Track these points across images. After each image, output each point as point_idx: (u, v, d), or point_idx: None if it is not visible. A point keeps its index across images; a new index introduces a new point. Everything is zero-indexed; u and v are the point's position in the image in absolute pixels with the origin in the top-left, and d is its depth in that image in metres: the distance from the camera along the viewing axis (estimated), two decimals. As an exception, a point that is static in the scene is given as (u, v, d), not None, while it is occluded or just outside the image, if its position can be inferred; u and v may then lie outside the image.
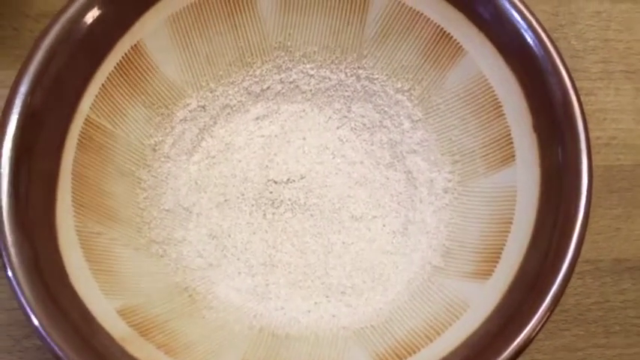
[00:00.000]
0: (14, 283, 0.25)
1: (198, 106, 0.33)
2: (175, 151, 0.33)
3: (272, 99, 0.35)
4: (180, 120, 0.33)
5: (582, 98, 0.28)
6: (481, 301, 0.27)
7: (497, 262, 0.28)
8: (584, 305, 0.34)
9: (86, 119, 0.29)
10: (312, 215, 0.33)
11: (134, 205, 0.31)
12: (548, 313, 0.25)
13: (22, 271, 0.25)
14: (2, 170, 0.26)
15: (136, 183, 0.31)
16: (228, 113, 0.34)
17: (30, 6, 0.37)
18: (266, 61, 0.34)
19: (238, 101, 0.34)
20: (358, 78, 0.34)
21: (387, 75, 0.34)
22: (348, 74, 0.34)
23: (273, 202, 0.33)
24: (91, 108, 0.29)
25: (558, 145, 0.27)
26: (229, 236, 0.33)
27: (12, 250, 0.25)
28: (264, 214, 0.33)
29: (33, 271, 0.25)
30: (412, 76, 0.33)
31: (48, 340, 0.24)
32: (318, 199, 0.33)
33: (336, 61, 0.34)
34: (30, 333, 0.32)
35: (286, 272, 0.32)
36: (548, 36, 0.28)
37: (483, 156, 0.31)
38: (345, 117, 0.35)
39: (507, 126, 0.30)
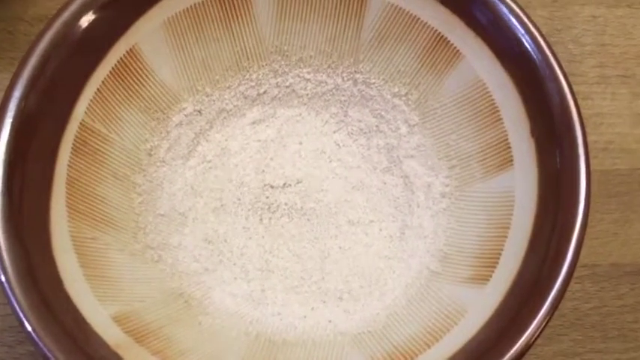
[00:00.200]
0: (8, 288, 0.25)
1: (194, 111, 0.33)
2: (171, 156, 0.33)
3: (268, 103, 0.35)
4: (176, 124, 0.33)
5: (579, 103, 0.28)
6: (479, 306, 0.27)
7: (495, 267, 0.28)
8: (581, 310, 0.34)
9: (81, 123, 0.29)
10: (308, 220, 0.33)
11: (129, 210, 0.31)
12: (546, 319, 0.25)
13: (16, 277, 0.25)
14: (-4, 176, 0.26)
15: (131, 188, 0.31)
16: (225, 117, 0.34)
17: (25, 9, 0.37)
18: (262, 66, 0.34)
19: (234, 105, 0.34)
20: (355, 82, 0.34)
21: (383, 79, 0.34)
22: (345, 78, 0.34)
23: (269, 207, 0.33)
24: (85, 112, 0.29)
25: (556, 149, 0.27)
26: (225, 241, 0.32)
27: (5, 256, 0.25)
28: (261, 219, 0.33)
29: (26, 277, 0.25)
30: (409, 81, 0.33)
31: (41, 346, 0.24)
32: (314, 204, 0.33)
33: (333, 66, 0.34)
34: (24, 339, 0.32)
35: (283, 277, 0.32)
36: (545, 41, 0.28)
37: (481, 161, 0.31)
38: (342, 121, 0.35)
39: (505, 131, 0.30)
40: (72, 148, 0.28)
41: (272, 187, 0.34)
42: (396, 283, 0.31)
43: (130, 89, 0.31)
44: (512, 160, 0.29)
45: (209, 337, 0.29)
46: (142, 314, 0.28)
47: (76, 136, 0.28)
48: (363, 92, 0.34)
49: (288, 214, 0.33)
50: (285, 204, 0.33)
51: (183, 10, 0.31)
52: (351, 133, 0.35)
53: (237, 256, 0.32)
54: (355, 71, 0.34)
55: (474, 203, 0.31)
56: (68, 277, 0.26)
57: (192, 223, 0.33)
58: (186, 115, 0.33)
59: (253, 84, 0.34)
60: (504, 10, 0.28)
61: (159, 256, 0.31)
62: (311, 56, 0.34)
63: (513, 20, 0.28)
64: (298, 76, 0.34)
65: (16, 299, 0.25)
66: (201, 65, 0.33)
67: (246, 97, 0.34)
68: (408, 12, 0.31)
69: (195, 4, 0.31)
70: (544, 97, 0.28)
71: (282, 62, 0.34)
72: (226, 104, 0.34)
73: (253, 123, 0.34)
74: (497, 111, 0.30)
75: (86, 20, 0.28)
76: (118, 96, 0.30)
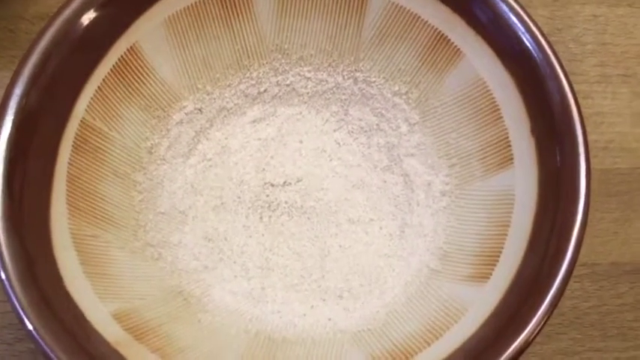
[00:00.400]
0: (8, 286, 0.25)
1: (195, 109, 0.33)
2: (171, 154, 0.33)
3: (269, 102, 0.35)
4: (177, 122, 0.33)
5: (580, 102, 0.28)
6: (479, 304, 0.27)
7: (495, 265, 0.28)
8: (581, 309, 0.34)
9: (81, 121, 0.29)
10: (308, 218, 0.33)
11: (129, 208, 0.31)
12: (546, 317, 0.25)
13: (16, 274, 0.25)
14: (-4, 173, 0.26)
15: (131, 186, 0.31)
16: (225, 116, 0.34)
17: (26, 8, 0.37)
18: (263, 64, 0.34)
19: (235, 104, 0.34)
20: (355, 81, 0.34)
21: (384, 78, 0.34)
22: (345, 77, 0.34)
23: (269, 205, 0.33)
24: (86, 110, 0.29)
25: (556, 148, 0.27)
26: (225, 239, 0.32)
27: (5, 253, 0.25)
28: (261, 217, 0.33)
29: (27, 274, 0.25)
30: (409, 79, 0.33)
31: (41, 343, 0.24)
32: (314, 202, 0.33)
33: (334, 64, 0.34)
34: (23, 337, 0.32)
35: (283, 275, 0.32)
36: (546, 39, 0.28)
37: (481, 159, 0.31)
38: (342, 120, 0.35)
39: (505, 129, 0.30)
40: (72, 145, 0.28)
41: (272, 185, 0.34)
42: (396, 282, 0.31)
43: (131, 87, 0.31)
44: (512, 159, 0.29)
45: (208, 334, 0.29)
46: (142, 312, 0.28)
47: (77, 134, 0.28)
48: (364, 91, 0.34)
49: (288, 213, 0.33)
50: (286, 202, 0.33)
51: (184, 8, 0.31)
52: (352, 132, 0.35)
53: (237, 254, 0.32)
54: (356, 70, 0.34)
55: (474, 201, 0.31)
56: (68, 274, 0.26)
57: (193, 221, 0.33)
58: (186, 114, 0.33)
59: (254, 82, 0.34)
60: (505, 8, 0.28)
61: (159, 253, 0.31)
62: (311, 55, 0.34)
63: (514, 19, 0.28)
64: (299, 74, 0.34)
65: (16, 296, 0.25)
66: (202, 63, 0.33)
67: (246, 96, 0.34)
68: (408, 10, 0.31)
69: (195, 2, 0.31)
70: (544, 95, 0.28)
71: (283, 61, 0.34)
72: (227, 102, 0.34)
73: (254, 121, 0.34)
74: (498, 109, 0.30)
75: (87, 18, 0.28)
76: (118, 94, 0.30)
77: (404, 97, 0.33)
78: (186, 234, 0.32)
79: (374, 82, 0.34)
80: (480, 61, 0.30)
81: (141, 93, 0.31)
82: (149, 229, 0.31)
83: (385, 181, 0.34)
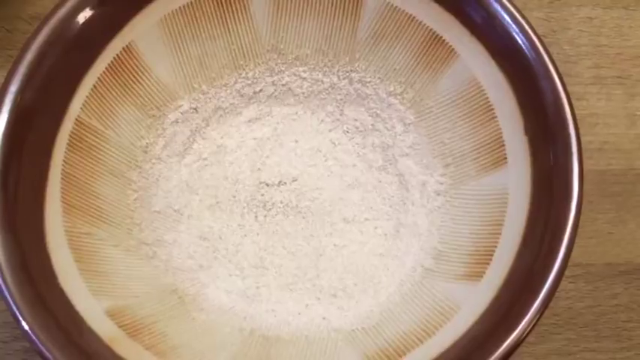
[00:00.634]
0: (2, 283, 0.25)
1: (190, 108, 0.33)
2: (167, 153, 0.33)
3: (264, 101, 0.35)
4: (172, 122, 0.33)
5: (574, 103, 0.28)
6: (472, 302, 0.27)
7: (488, 263, 0.28)
8: (575, 309, 0.34)
9: (77, 120, 0.29)
10: (303, 218, 0.33)
11: (124, 207, 0.31)
12: (538, 314, 0.25)
13: (10, 272, 0.25)
14: (-9, 169, 0.26)
15: (126, 184, 0.31)
16: (221, 115, 0.34)
17: (23, 8, 0.37)
18: (258, 64, 0.34)
19: (230, 103, 0.34)
20: (351, 81, 0.34)
21: (379, 78, 0.34)
22: (341, 77, 0.34)
23: (264, 205, 0.33)
24: (81, 108, 0.29)
25: (549, 147, 0.27)
26: (220, 238, 0.32)
27: (0, 251, 0.25)
28: (256, 217, 0.33)
29: (21, 272, 0.25)
30: (404, 80, 0.33)
31: (36, 341, 0.24)
32: (310, 202, 0.33)
33: (329, 64, 0.34)
34: (18, 335, 0.32)
35: (277, 275, 0.32)
36: (539, 39, 0.28)
37: (475, 159, 0.31)
38: (338, 120, 0.35)
39: (499, 129, 0.30)
40: (68, 143, 0.28)
41: (267, 184, 0.34)
42: (390, 281, 0.31)
43: (126, 86, 0.31)
44: (505, 158, 0.29)
45: (203, 332, 0.29)
46: (136, 309, 0.28)
47: (72, 132, 0.29)
48: (359, 91, 0.34)
49: (283, 212, 0.33)
50: (281, 202, 0.33)
51: (180, 8, 0.31)
52: (347, 132, 0.35)
53: (232, 253, 0.32)
54: (351, 70, 0.34)
55: (469, 201, 0.31)
56: (62, 272, 0.26)
57: (188, 220, 0.33)
58: (182, 113, 0.33)
59: (249, 82, 0.34)
60: (498, 8, 0.28)
61: (153, 252, 0.31)
62: (307, 55, 0.34)
63: (507, 19, 0.28)
64: (294, 74, 0.34)
65: (11, 294, 0.25)
66: (198, 63, 0.33)
67: (242, 95, 0.34)
68: (403, 11, 0.31)
69: (191, 2, 0.31)
70: (538, 95, 0.28)
71: (279, 60, 0.34)
72: (222, 102, 0.34)
73: (249, 121, 0.35)
74: (492, 109, 0.30)
75: (83, 17, 0.28)
76: (114, 93, 0.30)
77: (399, 97, 0.34)
78: (181, 233, 0.32)
79: (369, 82, 0.34)
80: (474, 61, 0.30)
81: (136, 92, 0.31)
82: (144, 227, 0.31)
83: (380, 181, 0.34)
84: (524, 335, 0.25)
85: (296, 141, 0.35)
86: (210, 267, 0.32)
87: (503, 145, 0.29)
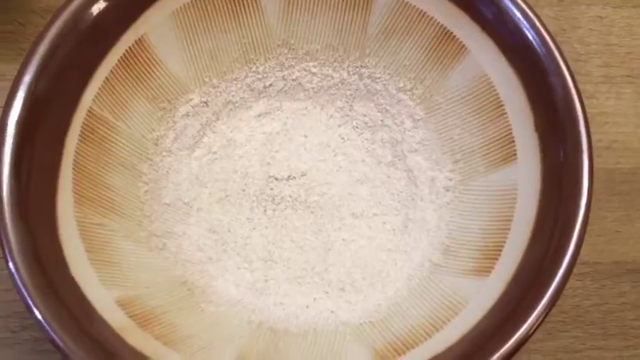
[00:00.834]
0: (15, 272, 0.25)
1: (201, 102, 0.34)
2: (177, 146, 0.33)
3: (274, 96, 0.35)
4: (183, 115, 0.33)
5: (584, 101, 0.28)
6: (480, 297, 0.27)
7: (497, 259, 0.28)
8: (583, 307, 0.34)
9: (89, 111, 0.29)
10: (312, 212, 0.33)
11: (135, 198, 0.31)
12: (547, 310, 0.25)
13: (23, 261, 0.25)
14: (4, 159, 0.26)
15: (137, 176, 0.31)
16: (231, 109, 0.34)
17: (35, 1, 0.37)
18: (269, 59, 0.34)
19: (241, 98, 0.34)
20: (360, 76, 0.34)
21: (389, 74, 0.34)
22: (351, 72, 0.34)
23: (273, 199, 0.33)
24: (94, 100, 0.29)
25: (559, 143, 0.27)
26: (229, 231, 0.33)
27: (13, 240, 0.25)
28: (265, 210, 0.33)
29: (33, 261, 0.25)
30: (414, 75, 0.33)
31: (48, 330, 0.24)
32: (318, 197, 0.33)
33: (339, 60, 0.34)
34: (28, 325, 0.32)
35: (286, 268, 0.32)
36: (550, 35, 0.28)
37: (484, 155, 0.31)
38: (347, 115, 0.35)
39: (509, 125, 0.30)
40: (80, 134, 0.29)
41: (276, 179, 0.34)
42: (398, 275, 0.31)
43: (138, 79, 0.31)
44: (515, 155, 0.29)
45: (211, 324, 0.29)
46: (146, 300, 0.28)
47: (84, 123, 0.29)
48: (369, 86, 0.34)
49: (292, 206, 0.33)
50: (290, 196, 0.33)
51: (192, 1, 0.31)
52: (356, 127, 0.35)
53: (241, 246, 0.32)
54: (361, 65, 0.34)
55: (478, 197, 0.31)
56: (74, 261, 0.27)
57: (197, 212, 0.33)
58: (192, 106, 0.33)
59: (260, 76, 0.34)
60: (509, 4, 0.29)
61: (163, 244, 0.31)
62: (317, 50, 0.34)
63: (518, 14, 0.28)
64: (304, 69, 0.35)
65: (23, 283, 0.25)
66: (209, 57, 0.33)
67: (252, 90, 0.34)
68: (414, 6, 0.31)
69: (203, -4, 0.31)
70: (548, 91, 0.28)
71: (289, 55, 0.34)
72: (232, 96, 0.34)
73: (259, 115, 0.35)
74: (502, 105, 0.30)
75: (97, 8, 0.28)
76: (126, 85, 0.30)
77: (409, 93, 0.34)
78: (190, 225, 0.32)
79: (379, 78, 0.34)
80: (484, 57, 0.30)
81: (148, 85, 0.31)
82: (154, 219, 0.31)
83: (389, 177, 0.34)
84: (532, 331, 0.25)
85: (305, 136, 0.35)
86: (220, 260, 0.32)
87: (513, 142, 0.30)
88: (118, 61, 0.30)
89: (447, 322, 0.27)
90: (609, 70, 0.38)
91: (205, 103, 0.34)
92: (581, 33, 0.38)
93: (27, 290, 0.25)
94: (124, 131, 0.31)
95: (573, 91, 0.27)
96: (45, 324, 0.24)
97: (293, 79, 0.35)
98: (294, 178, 0.34)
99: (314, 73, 0.35)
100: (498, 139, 0.30)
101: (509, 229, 0.28)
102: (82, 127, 0.29)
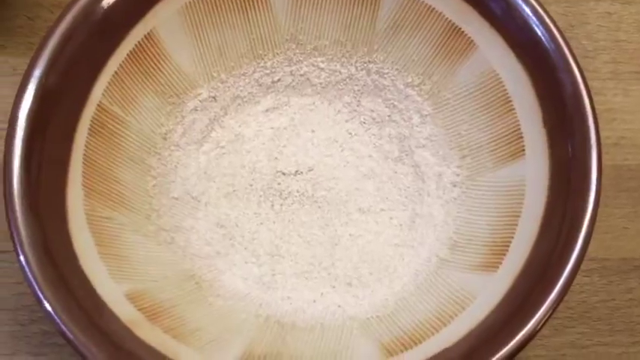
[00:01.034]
0: (25, 264, 0.25)
1: (209, 97, 0.34)
2: (185, 141, 0.33)
3: (282, 91, 0.35)
4: (191, 110, 0.33)
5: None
6: (488, 292, 0.27)
7: (504, 254, 0.28)
8: (590, 303, 0.34)
9: (98, 105, 0.29)
10: (319, 207, 0.33)
11: (143, 193, 0.31)
12: (554, 306, 0.25)
13: (33, 253, 0.25)
14: (14, 152, 0.26)
15: (145, 170, 0.31)
16: (239, 104, 0.34)
17: (45, -4, 0.37)
18: (277, 54, 0.34)
19: (249, 92, 0.34)
20: (368, 72, 0.34)
21: (397, 69, 0.34)
22: (359, 68, 0.34)
23: (281, 194, 0.34)
24: (103, 94, 0.29)
25: (568, 139, 0.27)
26: (237, 226, 0.33)
27: (23, 233, 0.26)
28: (272, 205, 0.33)
29: (43, 254, 0.26)
30: (422, 71, 0.33)
31: (58, 322, 0.25)
32: (325, 192, 0.34)
33: (347, 55, 0.34)
34: (37, 318, 0.32)
35: (293, 263, 0.32)
36: (559, 31, 0.28)
37: (492, 150, 0.31)
38: (355, 111, 0.35)
39: (517, 121, 0.30)
40: (89, 129, 0.29)
41: (284, 174, 0.34)
42: (405, 270, 0.32)
43: (147, 73, 0.31)
44: (523, 150, 0.29)
45: (219, 317, 0.29)
46: (155, 293, 0.28)
47: (94, 117, 0.29)
48: (377, 82, 0.34)
49: (299, 201, 0.33)
50: (297, 191, 0.34)
51: (201, -4, 0.31)
52: (364, 123, 0.35)
53: (249, 241, 0.33)
54: (369, 61, 0.34)
55: (485, 192, 0.31)
56: (83, 255, 0.27)
57: (205, 207, 0.33)
58: (201, 101, 0.33)
59: (268, 72, 0.34)
60: (518, 0, 0.28)
61: (172, 238, 0.31)
62: (325, 45, 0.34)
63: (527, 10, 0.28)
64: (312, 64, 0.35)
65: (34, 275, 0.25)
66: (217, 51, 0.33)
67: (260, 85, 0.35)
68: (423, 1, 0.31)
69: (212, -10, 0.31)
70: (557, 87, 0.28)
71: (297, 51, 0.34)
72: (241, 91, 0.34)
73: (267, 110, 0.35)
74: (510, 101, 0.30)
75: (107, 3, 0.28)
76: (135, 79, 0.31)
77: (416, 88, 0.34)
78: (198, 219, 0.33)
79: (387, 73, 0.34)
80: (492, 52, 0.30)
81: (157, 79, 0.31)
82: (162, 213, 0.31)
83: (396, 172, 0.34)
84: (540, 326, 0.25)
85: (313, 131, 0.35)
86: (227, 254, 0.32)
87: (522, 137, 0.30)
88: (128, 55, 0.30)
89: (454, 317, 0.27)
90: (617, 67, 0.38)
91: (214, 97, 0.34)
92: (590, 29, 0.38)
93: (37, 283, 0.25)
94: (133, 125, 0.31)
95: (582, 88, 0.27)
96: (55, 316, 0.25)
97: (301, 75, 0.35)
98: (302, 173, 0.34)
99: (322, 69, 0.35)
100: (506, 135, 0.30)
101: (517, 225, 0.28)
102: (91, 120, 0.29)
